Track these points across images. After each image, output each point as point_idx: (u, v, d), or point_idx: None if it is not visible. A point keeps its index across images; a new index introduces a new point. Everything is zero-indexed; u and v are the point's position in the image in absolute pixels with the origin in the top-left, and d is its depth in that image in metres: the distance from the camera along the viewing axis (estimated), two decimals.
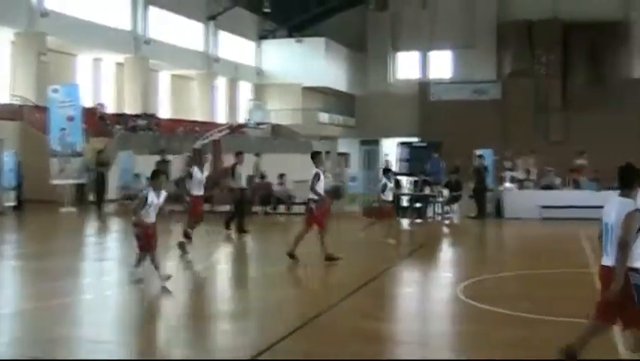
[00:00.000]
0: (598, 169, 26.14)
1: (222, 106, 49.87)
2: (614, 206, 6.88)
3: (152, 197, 11.70)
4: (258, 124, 40.71)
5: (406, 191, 26.19)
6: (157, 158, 25.91)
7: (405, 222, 23.34)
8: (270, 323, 9.66)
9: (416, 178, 25.58)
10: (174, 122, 42.80)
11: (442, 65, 55.70)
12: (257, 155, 27.16)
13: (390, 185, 18.28)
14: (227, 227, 19.78)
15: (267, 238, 19.74)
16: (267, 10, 46.73)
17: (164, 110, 45.57)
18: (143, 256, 11.81)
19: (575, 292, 11.56)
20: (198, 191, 16.97)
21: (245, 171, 20.46)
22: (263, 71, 53.29)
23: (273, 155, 29.18)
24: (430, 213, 24.39)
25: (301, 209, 25.12)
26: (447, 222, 23.68)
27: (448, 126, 48.15)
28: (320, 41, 51.66)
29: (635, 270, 6.65)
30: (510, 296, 11.37)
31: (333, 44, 52.89)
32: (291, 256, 14.05)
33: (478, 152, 26.07)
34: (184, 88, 47.84)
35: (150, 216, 11.79)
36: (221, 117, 47.84)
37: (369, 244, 17.60)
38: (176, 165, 26.05)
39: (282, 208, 26.00)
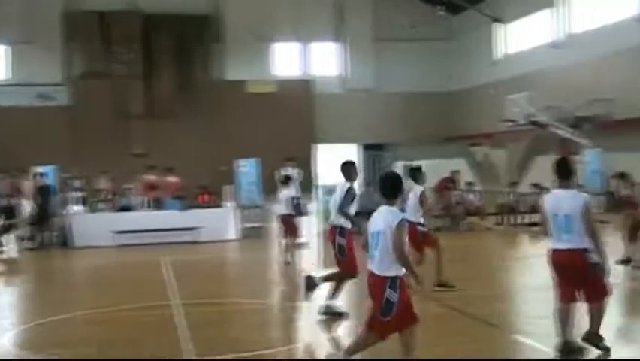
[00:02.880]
0: (185, 185, 26.90)
1: None
2: (565, 200, 9.18)
3: None
4: None
5: None
6: None
7: None
8: None
9: None
10: None
11: None
12: None
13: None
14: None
15: None
16: None
17: None
18: None
19: (152, 332, 11.95)
20: None
21: None
22: None
23: None
24: None
25: None
26: (1, 256, 22.73)
27: (4, 139, 46.50)
28: None
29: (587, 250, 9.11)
30: (72, 342, 11.38)
31: None
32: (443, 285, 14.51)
33: (39, 169, 25.51)
34: None
35: None
36: None
37: None
38: None
39: None
